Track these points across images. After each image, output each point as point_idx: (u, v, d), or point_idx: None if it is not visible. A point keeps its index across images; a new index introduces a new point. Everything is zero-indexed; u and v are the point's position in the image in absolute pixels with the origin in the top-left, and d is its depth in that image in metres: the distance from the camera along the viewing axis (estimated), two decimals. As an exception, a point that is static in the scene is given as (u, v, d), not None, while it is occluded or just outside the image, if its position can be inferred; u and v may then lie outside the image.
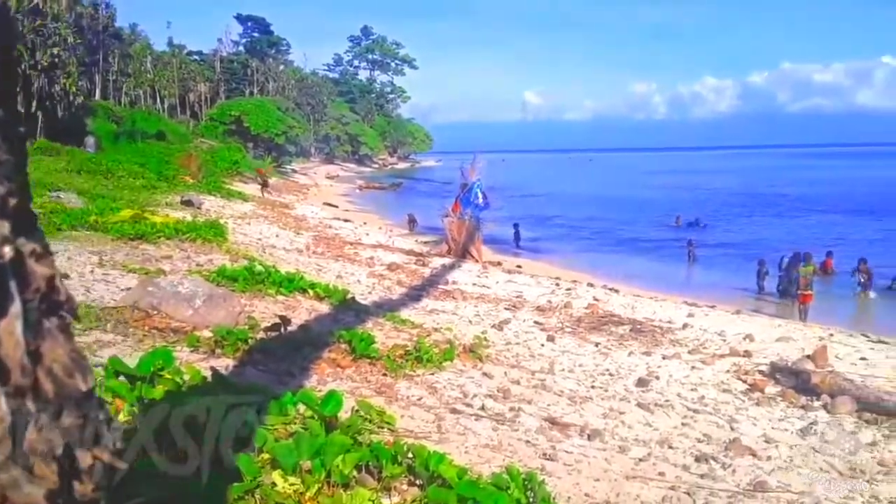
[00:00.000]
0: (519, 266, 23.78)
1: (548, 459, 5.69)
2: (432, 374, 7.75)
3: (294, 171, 74.60)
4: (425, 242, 27.20)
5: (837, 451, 7.14)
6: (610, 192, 68.44)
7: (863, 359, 11.56)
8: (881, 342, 13.69)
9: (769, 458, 6.74)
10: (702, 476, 5.99)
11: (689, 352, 11.62)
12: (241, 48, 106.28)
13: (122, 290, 8.74)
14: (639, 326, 13.33)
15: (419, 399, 6.76)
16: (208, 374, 4.92)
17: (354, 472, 3.75)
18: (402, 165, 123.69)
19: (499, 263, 23.19)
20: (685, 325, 13.94)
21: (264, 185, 40.68)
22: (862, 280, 22.47)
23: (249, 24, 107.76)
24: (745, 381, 9.90)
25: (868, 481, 6.33)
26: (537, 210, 48.34)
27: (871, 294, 22.00)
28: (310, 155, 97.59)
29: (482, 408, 6.91)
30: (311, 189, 56.47)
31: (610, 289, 19.21)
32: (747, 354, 11.46)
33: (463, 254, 22.75)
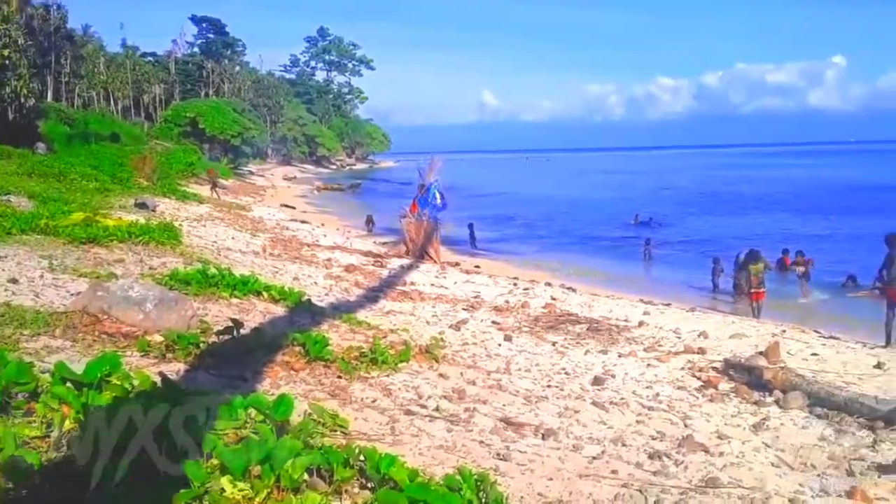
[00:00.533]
0: (477, 266, 23.82)
1: (501, 459, 5.69)
2: (387, 375, 7.72)
3: (251, 172, 74.15)
4: (383, 243, 27.13)
5: (788, 445, 7.24)
6: (567, 192, 68.94)
7: (814, 354, 11.75)
8: (833, 338, 13.99)
9: (721, 454, 6.80)
10: (654, 473, 6.03)
11: (645, 350, 11.71)
12: (195, 49, 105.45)
13: (72, 294, 8.60)
14: (595, 325, 13.41)
15: (373, 401, 6.72)
16: (158, 379, 4.85)
17: (305, 477, 3.71)
18: (360, 166, 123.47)
19: (457, 264, 23.21)
20: (641, 324, 14.06)
21: (214, 185, 40.58)
22: (800, 272, 22.90)
23: (204, 25, 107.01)
24: (699, 378, 9.99)
25: (818, 475, 6.41)
26: (496, 210, 48.51)
27: (815, 293, 22.32)
28: (266, 156, 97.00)
29: (437, 409, 6.89)
30: (268, 190, 56.14)
31: (567, 288, 19.33)
32: (701, 351, 11.57)
33: (421, 255, 22.75)
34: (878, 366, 10.98)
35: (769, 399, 9.02)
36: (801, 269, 23.15)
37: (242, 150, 69.47)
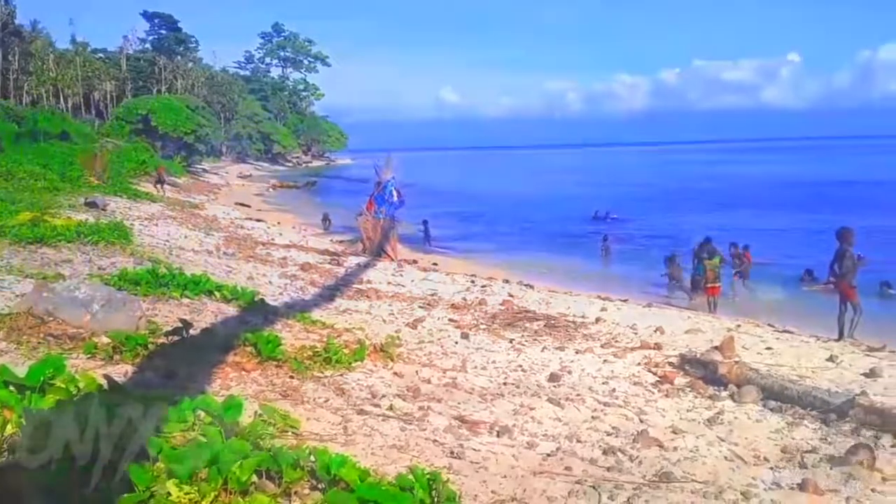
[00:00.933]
0: (435, 264, 23.78)
1: (455, 458, 5.63)
2: (341, 374, 7.63)
3: (205, 170, 73.36)
4: (340, 242, 26.98)
5: (742, 439, 7.29)
6: (526, 189, 69.16)
7: (769, 348, 11.92)
8: (787, 332, 14.20)
9: (675, 448, 6.81)
10: (608, 469, 6.02)
11: (602, 346, 11.74)
12: (147, 46, 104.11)
13: (17, 295, 8.42)
14: (553, 322, 13.42)
15: (326, 401, 6.63)
16: (104, 381, 4.74)
17: (254, 479, 3.64)
18: (316, 164, 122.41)
19: (414, 261, 23.18)
20: (598, 320, 14.10)
21: (159, 181, 40.28)
22: (740, 267, 22.93)
23: (156, 21, 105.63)
24: (655, 374, 10.02)
25: (771, 468, 6.45)
26: (454, 207, 48.52)
27: (757, 290, 22.44)
28: (221, 154, 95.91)
29: (390, 408, 6.82)
30: (222, 189, 55.64)
31: (525, 285, 19.36)
32: (658, 347, 11.62)
33: (378, 252, 22.73)
34: (831, 359, 11.15)
35: (724, 393, 9.08)
36: (738, 261, 23.21)
37: (196, 147, 68.58)
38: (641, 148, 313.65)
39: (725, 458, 6.70)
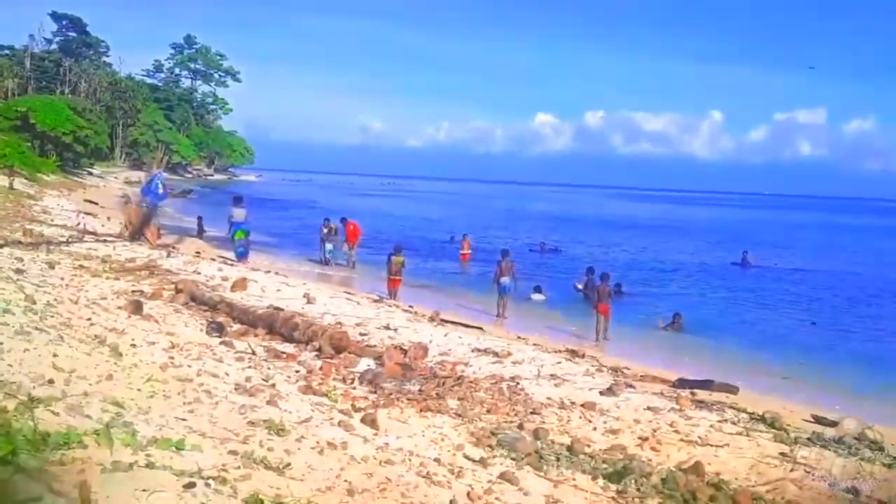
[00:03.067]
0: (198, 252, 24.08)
1: None
2: None
3: (90, 173, 71.25)
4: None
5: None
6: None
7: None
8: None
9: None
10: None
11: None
12: (54, 46, 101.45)
13: None
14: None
15: None
16: None
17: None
18: (218, 177, 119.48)
19: (174, 247, 23.53)
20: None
21: None
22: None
23: (65, 22, 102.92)
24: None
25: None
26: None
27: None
28: (110, 158, 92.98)
29: None
30: (89, 188, 53.93)
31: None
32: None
33: (137, 236, 23.10)
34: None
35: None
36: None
37: (74, 148, 65.86)
38: (563, 188, 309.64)
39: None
